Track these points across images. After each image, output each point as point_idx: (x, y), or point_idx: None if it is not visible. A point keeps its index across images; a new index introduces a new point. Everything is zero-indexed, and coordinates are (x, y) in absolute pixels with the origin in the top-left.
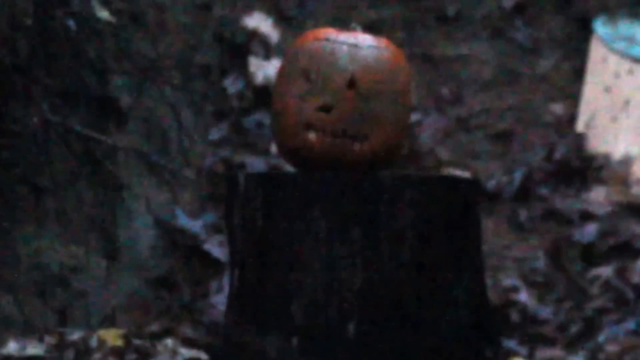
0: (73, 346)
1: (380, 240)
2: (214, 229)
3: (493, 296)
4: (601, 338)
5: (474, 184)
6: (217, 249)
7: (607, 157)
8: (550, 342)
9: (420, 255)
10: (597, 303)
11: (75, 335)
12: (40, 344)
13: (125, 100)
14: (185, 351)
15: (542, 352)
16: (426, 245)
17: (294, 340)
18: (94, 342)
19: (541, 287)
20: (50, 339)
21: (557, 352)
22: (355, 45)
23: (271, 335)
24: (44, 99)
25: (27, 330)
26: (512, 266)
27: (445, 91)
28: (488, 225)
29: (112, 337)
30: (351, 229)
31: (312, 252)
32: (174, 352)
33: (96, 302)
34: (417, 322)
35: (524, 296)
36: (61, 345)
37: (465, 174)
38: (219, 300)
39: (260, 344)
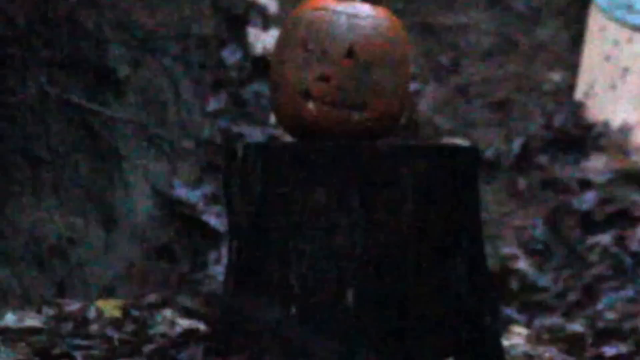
0: (71, 317)
1: (378, 209)
2: (212, 199)
3: (492, 264)
4: (600, 306)
5: (472, 153)
6: (215, 219)
7: (605, 125)
8: (549, 309)
9: (418, 224)
10: (596, 271)
11: (74, 307)
12: (38, 316)
13: (123, 71)
14: (183, 321)
15: (541, 320)
16: (425, 214)
17: (293, 309)
18: (92, 313)
19: (540, 255)
20: (48, 310)
21: (556, 319)
22: (354, 15)
23: (270, 304)
24: (42, 70)
25: (25, 302)
26: (511, 234)
27: (444, 60)
28: (487, 193)
29: (110, 307)
30: (350, 198)
31: (311, 221)
32: (172, 323)
33: (94, 273)
34: (416, 291)
35: (522, 264)
36: (59, 316)
37: (464, 143)
38: (218, 271)
39: (258, 313)
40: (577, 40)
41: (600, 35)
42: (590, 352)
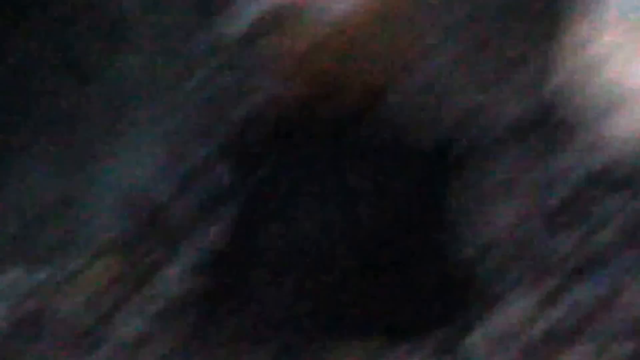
0: (71, 277)
1: (356, 197)
2: (218, 157)
3: (469, 251)
4: (567, 304)
5: (450, 143)
6: (219, 177)
7: (582, 113)
8: (519, 301)
9: (397, 210)
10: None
11: (73, 266)
12: (36, 274)
13: (95, 58)
14: (185, 280)
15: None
16: (402, 201)
17: (287, 277)
18: (92, 272)
19: (511, 250)
20: (47, 270)
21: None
22: None
23: (270, 267)
24: (14, 57)
25: (24, 260)
26: (482, 229)
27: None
28: (461, 186)
29: (110, 266)
30: (327, 185)
31: (298, 202)
32: (174, 281)
33: (94, 232)
34: (395, 276)
35: (493, 259)
36: (58, 276)
37: (444, 131)
38: (220, 230)
39: (262, 277)
40: (552, 27)
41: (580, 21)
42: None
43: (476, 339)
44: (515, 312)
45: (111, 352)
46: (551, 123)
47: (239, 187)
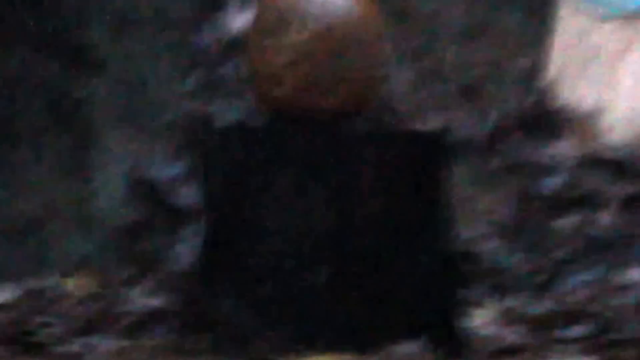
0: (44, 292)
1: (350, 189)
2: (187, 178)
3: (460, 245)
4: (566, 287)
5: (441, 137)
6: (189, 197)
7: (574, 109)
8: (516, 290)
9: (389, 204)
10: (563, 252)
11: (47, 282)
12: (14, 289)
13: (102, 48)
14: (153, 298)
15: (509, 301)
16: (395, 194)
17: (264, 286)
18: (64, 289)
19: (508, 237)
20: (24, 284)
21: (523, 300)
22: None
23: (244, 281)
24: (22, 46)
25: (1, 276)
26: (479, 216)
27: (416, 43)
28: (456, 175)
29: (82, 283)
30: (322, 179)
31: (284, 200)
32: (143, 299)
33: (68, 249)
34: (383, 271)
35: (490, 245)
36: (33, 291)
37: (435, 126)
38: (189, 249)
39: (232, 289)
40: (548, 24)
41: (571, 21)
42: (555, 333)
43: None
44: (516, 296)
45: None
46: (543, 116)
47: (208, 204)
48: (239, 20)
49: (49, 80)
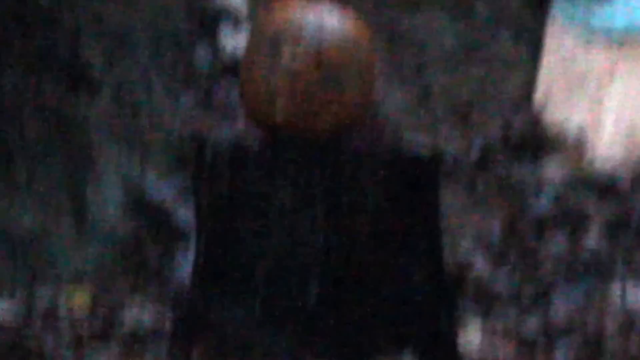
0: (41, 307)
1: (341, 208)
2: (182, 194)
3: (450, 263)
4: (553, 305)
5: (432, 156)
6: (184, 214)
7: (563, 129)
8: (503, 308)
9: (380, 223)
10: (549, 271)
11: (44, 297)
12: (10, 303)
13: (97, 66)
14: (150, 313)
15: (496, 318)
16: (386, 214)
17: (256, 305)
18: (61, 304)
19: (496, 256)
20: (20, 298)
21: (510, 317)
22: (322, 18)
23: (234, 299)
24: (18, 66)
25: None
26: (468, 235)
27: (407, 64)
28: (446, 194)
29: (79, 299)
30: (314, 198)
31: (276, 219)
32: (139, 314)
33: (65, 265)
34: (377, 289)
35: (479, 264)
36: (30, 306)
37: (426, 146)
38: (185, 264)
39: (223, 307)
40: (536, 46)
41: (559, 41)
42: (542, 351)
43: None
44: (509, 311)
45: None
46: (531, 138)
47: (201, 222)
48: (232, 42)
49: (45, 100)
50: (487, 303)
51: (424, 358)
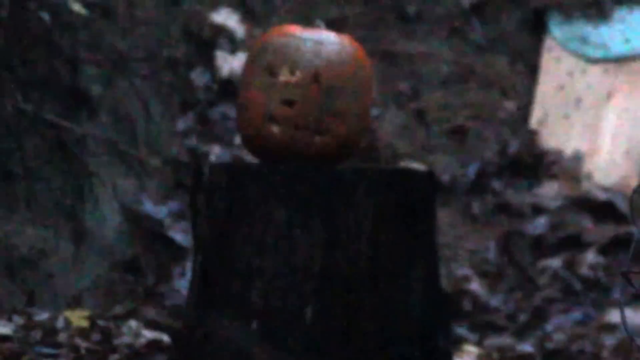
0: (40, 326)
1: (338, 229)
2: (179, 215)
3: (446, 285)
4: (549, 327)
5: (429, 177)
6: (181, 235)
7: (558, 153)
8: (499, 330)
9: (376, 244)
10: (546, 293)
11: (43, 316)
12: (8, 324)
13: (95, 90)
14: (147, 333)
15: (492, 340)
16: (382, 235)
17: (254, 324)
18: (60, 323)
19: (492, 277)
20: (18, 319)
21: (506, 339)
22: (319, 42)
23: (231, 319)
24: (18, 89)
25: None
26: (464, 257)
27: (403, 87)
28: (442, 216)
29: (77, 318)
30: (310, 219)
31: (273, 240)
32: (137, 334)
33: (63, 284)
34: (372, 309)
35: (475, 286)
36: (29, 325)
37: (422, 168)
38: (182, 285)
39: (220, 327)
40: (532, 70)
41: (555, 66)
42: None
43: None
44: (504, 333)
45: None
46: (528, 159)
47: (199, 242)
48: (230, 62)
49: (43, 121)
50: (482, 324)
51: None
